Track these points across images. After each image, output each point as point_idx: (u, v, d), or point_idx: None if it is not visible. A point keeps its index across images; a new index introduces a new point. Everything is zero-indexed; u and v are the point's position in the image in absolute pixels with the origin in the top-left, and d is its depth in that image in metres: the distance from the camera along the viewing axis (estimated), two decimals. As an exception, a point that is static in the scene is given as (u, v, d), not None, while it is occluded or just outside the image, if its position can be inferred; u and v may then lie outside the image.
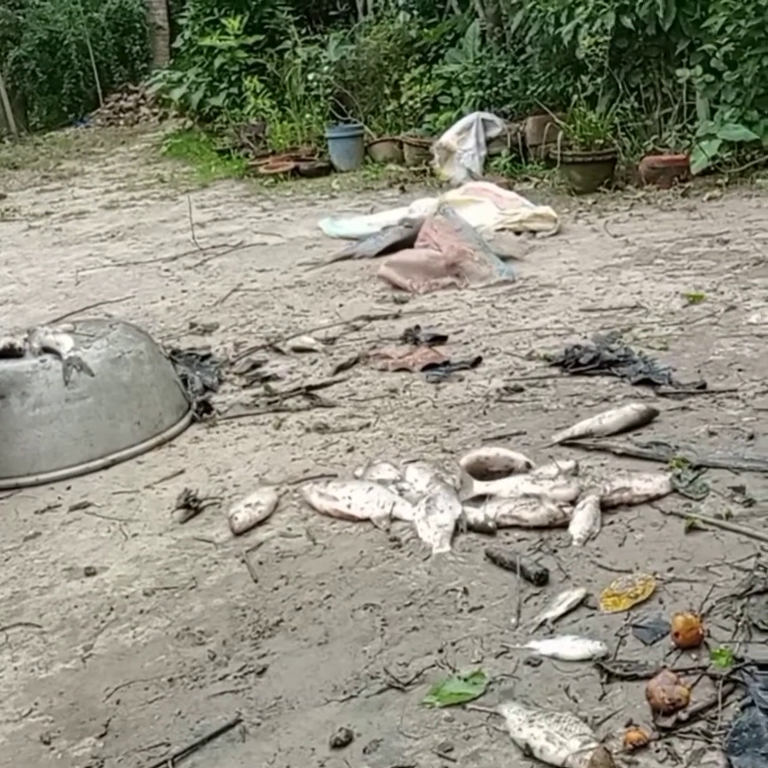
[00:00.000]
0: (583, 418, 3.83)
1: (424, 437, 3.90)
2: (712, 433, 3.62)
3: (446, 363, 4.65)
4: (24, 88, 16.68)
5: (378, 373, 4.69)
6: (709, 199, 7.33)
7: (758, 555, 2.81)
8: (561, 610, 2.66)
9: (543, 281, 5.90)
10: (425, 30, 11.04)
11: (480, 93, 9.71)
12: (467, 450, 3.67)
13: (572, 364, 4.42)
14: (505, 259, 6.24)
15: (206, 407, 4.46)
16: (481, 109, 9.56)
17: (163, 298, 6.54)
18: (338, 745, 2.30)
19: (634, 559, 2.88)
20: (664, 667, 2.38)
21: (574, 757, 2.12)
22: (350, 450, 3.89)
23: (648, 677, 2.33)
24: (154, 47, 17.01)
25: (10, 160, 14.00)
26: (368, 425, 4.10)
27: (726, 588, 2.67)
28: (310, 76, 11.20)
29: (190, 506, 3.53)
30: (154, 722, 2.48)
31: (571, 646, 2.50)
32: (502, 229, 6.88)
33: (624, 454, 3.52)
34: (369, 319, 5.54)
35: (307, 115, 11.12)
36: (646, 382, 4.14)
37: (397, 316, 5.54)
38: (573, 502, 3.17)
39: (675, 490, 3.21)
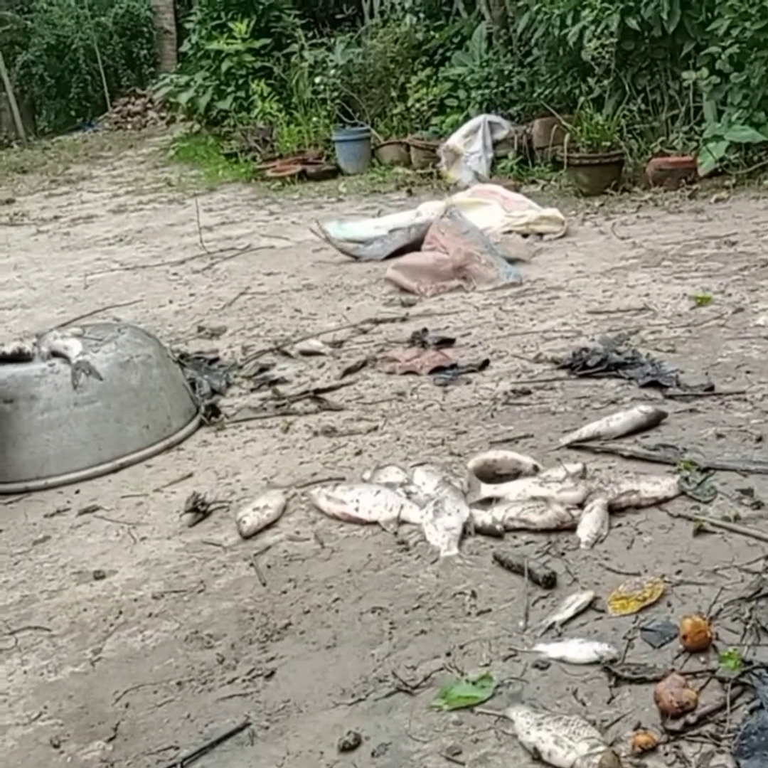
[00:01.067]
0: (590, 420, 3.83)
1: (431, 440, 3.91)
2: (720, 436, 3.61)
3: (454, 366, 4.65)
4: (32, 92, 16.74)
5: (385, 377, 4.70)
6: (717, 200, 7.32)
7: (766, 557, 2.80)
8: (569, 613, 2.66)
9: (550, 284, 5.89)
10: (432, 33, 11.05)
11: (487, 95, 9.72)
12: (475, 453, 3.67)
13: (580, 366, 4.41)
14: (512, 261, 6.24)
15: (214, 411, 4.47)
16: (488, 111, 9.57)
17: (171, 301, 6.55)
18: (346, 748, 2.30)
19: (642, 562, 2.88)
20: (673, 670, 2.38)
21: (583, 761, 2.12)
22: (358, 453, 3.89)
23: (656, 680, 2.33)
24: (161, 51, 17.08)
25: (18, 164, 14.05)
26: (376, 428, 4.10)
27: (734, 591, 2.67)
28: (317, 80, 11.22)
29: (199, 510, 3.53)
30: (163, 725, 2.49)
31: (578, 649, 2.50)
32: (509, 232, 6.88)
33: (632, 457, 3.51)
34: (376, 322, 5.54)
35: (314, 119, 11.15)
36: (653, 385, 4.14)
37: (404, 319, 5.54)
38: (581, 505, 3.17)
39: (683, 493, 3.21)
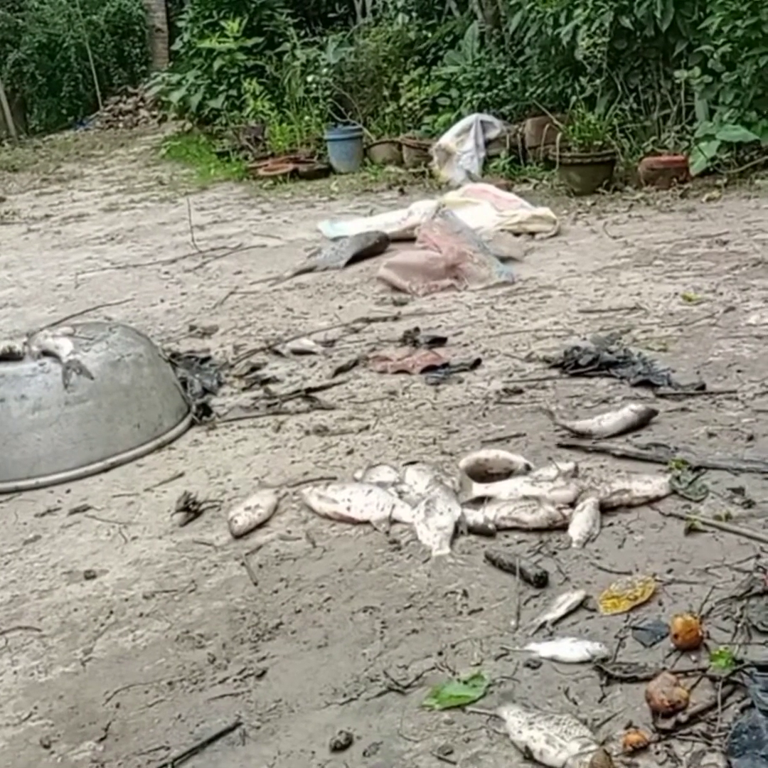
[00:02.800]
0: (582, 419, 3.83)
1: (423, 439, 3.91)
2: (711, 435, 3.62)
3: (445, 365, 4.65)
4: (23, 91, 16.70)
5: (377, 376, 4.69)
6: (708, 200, 7.33)
7: (758, 556, 2.81)
8: (560, 612, 2.66)
9: (542, 283, 5.90)
10: (424, 32, 11.04)
11: (479, 95, 9.71)
12: (466, 452, 3.67)
13: (571, 365, 4.41)
14: (504, 260, 6.24)
15: (206, 410, 4.46)
16: (480, 110, 9.56)
17: (162, 300, 6.54)
18: (338, 748, 2.30)
19: (633, 561, 2.88)
20: (664, 668, 2.38)
21: (574, 760, 2.12)
22: (350, 452, 3.89)
23: (647, 679, 2.33)
24: (153, 50, 17.05)
25: (9, 163, 14.01)
26: (367, 427, 4.10)
27: (725, 589, 2.67)
28: (309, 78, 11.21)
29: (190, 509, 3.53)
30: (154, 726, 2.48)
31: (570, 648, 2.50)
32: (502, 231, 6.88)
33: (624, 456, 3.51)
34: (368, 321, 5.54)
35: (306, 117, 11.13)
36: (645, 384, 4.14)
37: (396, 318, 5.54)
38: (572, 504, 3.17)
39: (674, 492, 3.21)
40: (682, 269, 5.80)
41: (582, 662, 2.46)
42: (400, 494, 3.38)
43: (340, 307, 5.90)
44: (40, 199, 11.34)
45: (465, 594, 2.83)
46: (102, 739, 2.46)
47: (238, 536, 3.33)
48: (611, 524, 3.10)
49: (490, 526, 3.12)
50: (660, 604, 2.66)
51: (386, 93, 10.81)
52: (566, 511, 3.12)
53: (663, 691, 2.24)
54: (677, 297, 5.28)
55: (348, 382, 4.67)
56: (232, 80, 12.15)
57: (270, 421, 4.30)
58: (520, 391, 4.26)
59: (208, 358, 5.16)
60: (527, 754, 2.19)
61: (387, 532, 3.22)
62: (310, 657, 2.66)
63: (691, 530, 2.99)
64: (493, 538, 3.10)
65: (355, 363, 4.86)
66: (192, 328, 5.80)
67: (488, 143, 9.24)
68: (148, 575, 3.19)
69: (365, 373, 4.75)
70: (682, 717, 2.21)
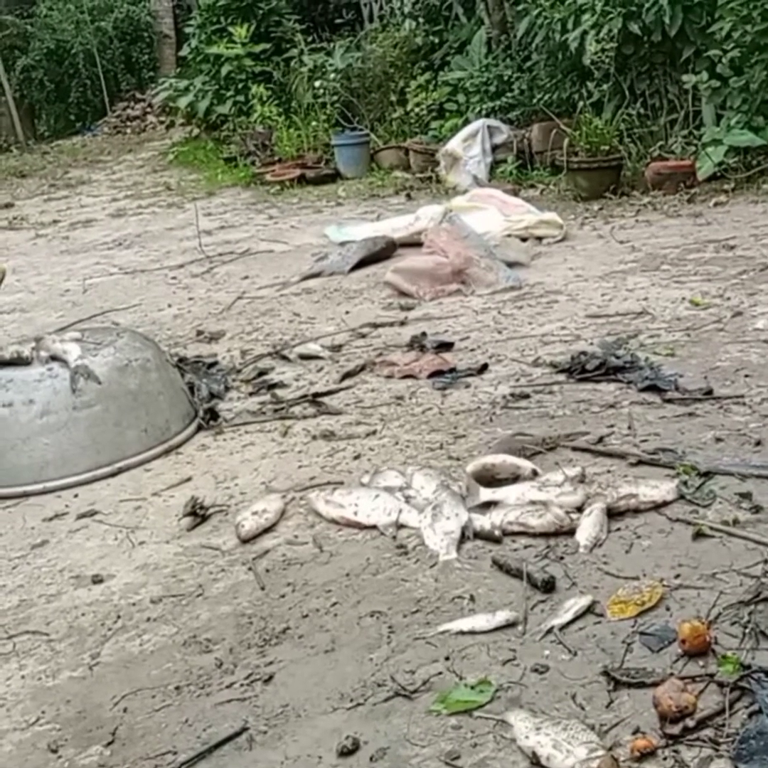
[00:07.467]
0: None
1: (430, 444, 3.90)
2: (718, 440, 3.61)
3: (452, 370, 4.65)
4: (31, 97, 16.74)
5: (384, 380, 4.70)
6: (716, 204, 7.32)
7: (765, 561, 2.80)
8: (568, 617, 2.66)
9: (549, 287, 5.90)
10: (431, 37, 11.05)
11: (486, 100, 9.72)
12: (473, 457, 3.67)
13: (578, 370, 4.41)
14: (511, 265, 6.24)
15: (213, 415, 4.46)
16: (487, 115, 9.57)
17: (169, 305, 6.55)
18: (345, 753, 2.30)
19: (641, 566, 2.88)
20: (672, 674, 2.38)
21: (582, 765, 2.11)
22: (356, 457, 3.89)
23: (655, 684, 2.33)
24: (160, 56, 17.07)
25: (17, 168, 14.05)
26: (374, 432, 4.10)
27: (733, 595, 2.67)
28: (317, 84, 11.22)
29: (197, 514, 3.53)
30: (161, 730, 2.48)
31: (486, 619, 2.67)
32: (508, 236, 6.88)
33: (640, 462, 3.50)
34: (375, 326, 5.54)
35: (314, 123, 11.15)
36: (652, 389, 4.14)
37: (403, 323, 5.54)
38: (579, 509, 3.17)
39: (682, 497, 3.20)
40: (689, 274, 5.79)
41: (497, 629, 2.60)
42: (407, 499, 3.38)
43: (347, 312, 5.90)
44: (48, 204, 11.37)
45: (472, 599, 2.83)
46: (109, 744, 2.46)
47: (245, 541, 3.33)
48: (618, 529, 3.09)
49: (497, 531, 3.12)
50: (667, 609, 2.66)
51: (393, 98, 10.82)
52: (573, 516, 3.12)
53: (671, 697, 2.24)
54: (684, 302, 5.28)
55: (355, 386, 4.67)
56: (240, 86, 12.17)
57: (277, 426, 4.30)
58: (527, 396, 4.26)
59: (215, 363, 5.16)
60: (534, 760, 2.19)
61: (394, 537, 3.22)
62: (317, 662, 2.66)
63: (698, 535, 2.98)
64: (500, 543, 3.09)
65: (362, 368, 4.86)
66: (199, 333, 5.81)
67: (495, 148, 9.24)
68: (156, 580, 3.19)
69: (372, 378, 4.75)
70: (690, 722, 2.21)
